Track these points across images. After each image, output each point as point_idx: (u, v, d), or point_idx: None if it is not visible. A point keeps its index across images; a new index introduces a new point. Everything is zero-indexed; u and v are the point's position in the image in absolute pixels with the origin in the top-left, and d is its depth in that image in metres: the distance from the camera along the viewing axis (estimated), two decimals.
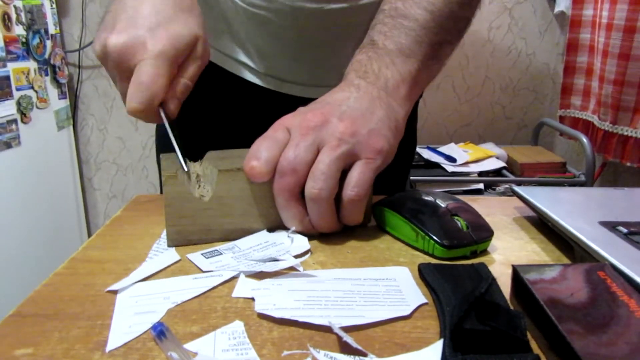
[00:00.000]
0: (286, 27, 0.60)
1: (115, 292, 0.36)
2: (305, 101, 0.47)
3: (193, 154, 0.46)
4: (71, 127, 1.91)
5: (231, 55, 0.66)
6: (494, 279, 0.34)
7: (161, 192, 0.69)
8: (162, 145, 0.72)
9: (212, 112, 0.69)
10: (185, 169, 0.43)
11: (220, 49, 0.66)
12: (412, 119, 0.74)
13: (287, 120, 0.45)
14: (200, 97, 0.50)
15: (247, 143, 0.45)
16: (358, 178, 0.42)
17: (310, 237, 0.44)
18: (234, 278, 0.37)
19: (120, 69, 0.44)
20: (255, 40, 0.63)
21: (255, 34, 0.62)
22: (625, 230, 0.41)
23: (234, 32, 0.64)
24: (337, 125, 0.43)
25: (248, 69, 0.66)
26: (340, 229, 0.45)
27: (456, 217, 0.43)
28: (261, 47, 0.63)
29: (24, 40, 1.60)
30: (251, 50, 0.64)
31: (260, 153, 0.42)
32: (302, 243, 0.42)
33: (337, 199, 0.43)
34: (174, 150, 0.44)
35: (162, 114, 0.45)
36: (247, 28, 0.62)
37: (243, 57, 0.65)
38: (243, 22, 0.61)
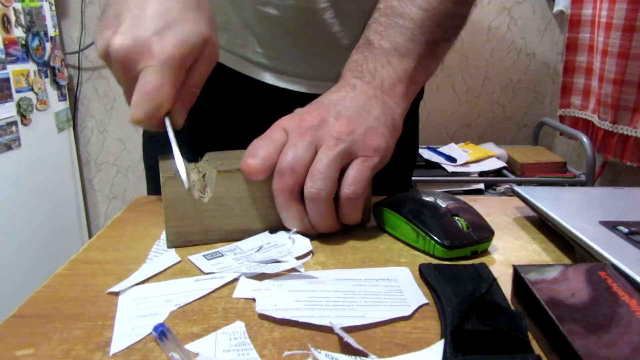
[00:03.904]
0: (291, 17, 0.58)
1: (116, 293, 0.36)
2: (302, 97, 0.46)
3: (194, 150, 0.45)
4: (71, 129, 1.91)
5: (224, 46, 0.63)
6: (494, 279, 0.34)
7: (148, 193, 0.69)
8: (149, 144, 0.71)
9: (207, 107, 0.66)
10: (186, 185, 0.42)
11: None
12: (413, 120, 0.74)
13: (284, 121, 0.45)
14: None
15: (242, 141, 0.45)
16: (355, 176, 0.42)
17: (311, 237, 0.44)
18: (235, 279, 0.37)
19: (124, 72, 0.42)
20: (254, 26, 0.60)
21: (255, 19, 0.59)
22: (625, 230, 0.41)
23: (227, 17, 0.61)
24: (334, 125, 0.43)
25: (244, 59, 0.64)
26: (340, 229, 0.45)
27: (457, 217, 0.43)
28: (261, 33, 0.61)
29: (23, 42, 1.60)
30: (248, 37, 0.61)
31: (257, 151, 0.42)
32: (303, 244, 0.42)
33: (337, 198, 0.43)
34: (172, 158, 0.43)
35: (168, 124, 0.44)
36: (245, 14, 0.59)
37: (238, 46, 0.62)
38: (241, 7, 0.59)
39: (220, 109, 0.68)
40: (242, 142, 0.46)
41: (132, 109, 0.42)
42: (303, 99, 0.50)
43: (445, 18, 0.49)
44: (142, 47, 0.41)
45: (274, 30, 0.60)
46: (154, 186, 0.70)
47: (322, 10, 0.58)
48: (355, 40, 0.51)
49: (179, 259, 0.41)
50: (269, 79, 0.64)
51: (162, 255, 0.41)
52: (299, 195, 0.42)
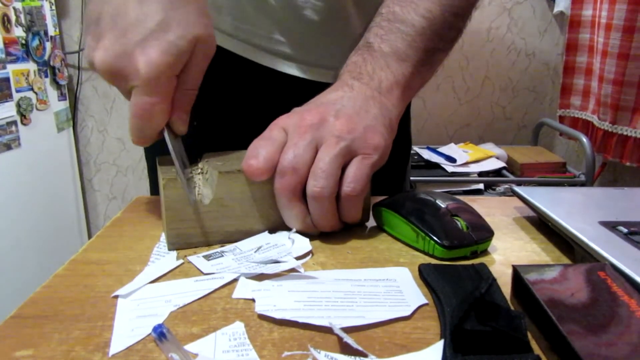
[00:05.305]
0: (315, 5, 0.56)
1: (117, 295, 0.36)
2: (299, 85, 0.45)
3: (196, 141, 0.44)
4: (71, 129, 1.91)
5: (227, 31, 0.60)
6: (494, 280, 0.34)
7: (151, 194, 0.68)
8: (152, 157, 0.70)
9: (206, 94, 0.63)
10: (191, 200, 0.41)
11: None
12: (405, 120, 0.74)
13: (283, 120, 0.45)
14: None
15: (239, 130, 0.44)
16: (355, 174, 0.42)
17: (311, 237, 0.44)
18: (234, 280, 0.37)
19: (115, 86, 0.40)
20: (271, 11, 0.58)
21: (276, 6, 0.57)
22: (625, 230, 0.41)
23: (238, 2, 0.58)
24: (334, 124, 0.43)
25: (250, 44, 0.61)
26: (341, 228, 0.45)
27: (456, 218, 0.43)
28: (271, 16, 0.59)
29: (23, 41, 1.60)
30: (248, 9, 0.59)
31: (258, 152, 0.42)
32: (303, 244, 0.42)
33: (337, 197, 0.43)
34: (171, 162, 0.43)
35: (166, 136, 0.42)
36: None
37: (228, 25, 0.59)
38: None
39: (218, 95, 0.65)
40: (238, 132, 0.46)
41: (130, 133, 0.42)
42: (299, 87, 0.50)
43: (445, 28, 0.51)
44: (127, 63, 0.38)
45: (288, 16, 0.59)
46: (155, 186, 0.69)
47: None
48: (349, 29, 0.51)
49: (181, 261, 0.41)
50: (268, 62, 0.62)
51: (163, 258, 0.41)
52: (301, 194, 0.42)
